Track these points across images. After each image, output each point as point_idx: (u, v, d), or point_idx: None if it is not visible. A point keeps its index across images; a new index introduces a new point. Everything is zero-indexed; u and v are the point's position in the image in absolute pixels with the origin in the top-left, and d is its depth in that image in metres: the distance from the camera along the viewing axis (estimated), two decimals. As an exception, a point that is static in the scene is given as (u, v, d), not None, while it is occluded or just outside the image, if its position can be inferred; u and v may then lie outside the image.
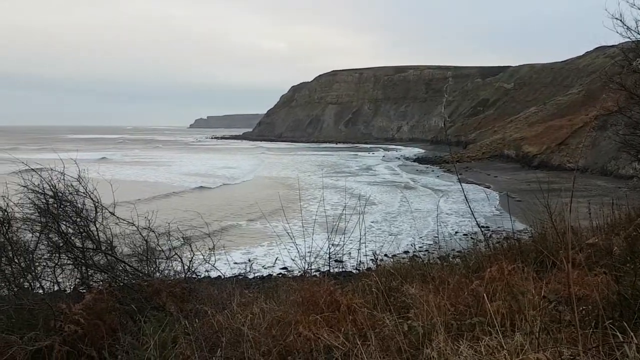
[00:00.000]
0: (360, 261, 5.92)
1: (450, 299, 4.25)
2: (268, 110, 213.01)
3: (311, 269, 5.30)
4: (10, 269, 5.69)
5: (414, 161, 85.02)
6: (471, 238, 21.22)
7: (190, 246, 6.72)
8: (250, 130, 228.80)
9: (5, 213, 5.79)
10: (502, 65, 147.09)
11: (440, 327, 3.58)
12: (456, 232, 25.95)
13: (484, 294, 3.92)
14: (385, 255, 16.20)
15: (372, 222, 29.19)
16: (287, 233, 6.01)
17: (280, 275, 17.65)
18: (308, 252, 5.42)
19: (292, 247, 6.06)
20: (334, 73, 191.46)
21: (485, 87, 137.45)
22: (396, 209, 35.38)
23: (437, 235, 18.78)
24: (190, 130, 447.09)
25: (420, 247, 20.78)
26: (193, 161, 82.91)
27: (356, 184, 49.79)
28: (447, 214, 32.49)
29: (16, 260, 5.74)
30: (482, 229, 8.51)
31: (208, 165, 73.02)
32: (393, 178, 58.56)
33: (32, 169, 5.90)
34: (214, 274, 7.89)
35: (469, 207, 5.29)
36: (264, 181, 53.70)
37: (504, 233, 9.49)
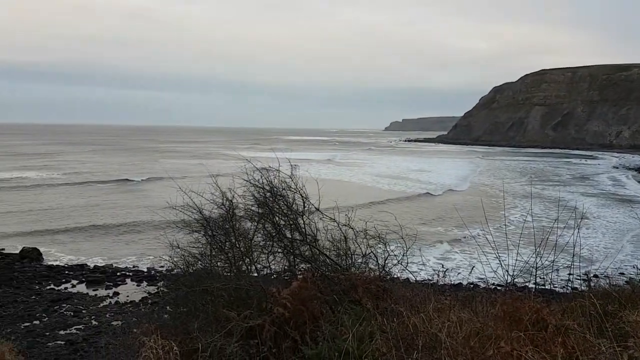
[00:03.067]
0: (570, 280, 5.38)
1: (686, 333, 3.61)
2: (465, 113, 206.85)
3: (514, 283, 4.99)
4: (232, 253, 6.49)
5: (638, 171, 74.42)
6: None
7: (385, 245, 6.85)
8: (445, 133, 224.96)
9: (231, 203, 6.62)
10: None
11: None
12: (688, 257, 22.05)
13: None
14: (595, 275, 14.51)
15: (586, 238, 26.38)
16: (489, 242, 5.75)
17: (472, 285, 17.01)
18: (511, 264, 5.11)
19: (492, 257, 5.78)
20: (543, 72, 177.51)
21: None
22: (617, 225, 31.42)
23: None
24: (385, 133, 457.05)
25: (641, 269, 18.10)
26: (400, 163, 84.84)
27: (568, 195, 45.48)
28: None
29: (237, 245, 6.52)
30: None
31: (415, 168, 73.70)
32: (615, 190, 51.98)
33: (260, 169, 6.64)
34: (404, 275, 7.93)
35: None
36: (477, 188, 52.05)
37: None
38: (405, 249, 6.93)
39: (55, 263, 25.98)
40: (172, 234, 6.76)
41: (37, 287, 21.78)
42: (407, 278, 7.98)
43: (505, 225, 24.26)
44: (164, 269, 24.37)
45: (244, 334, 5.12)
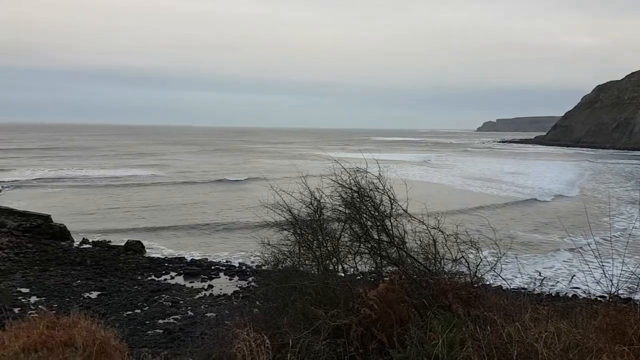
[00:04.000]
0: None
1: None
2: (566, 113, 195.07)
3: (618, 294, 4.64)
4: (320, 251, 6.60)
5: None
6: None
7: (478, 251, 6.63)
8: (543, 134, 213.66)
9: (319, 203, 6.73)
10: None
11: None
12: None
13: None
14: None
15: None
16: (592, 250, 5.38)
17: (571, 295, 16.00)
18: (616, 274, 4.75)
19: (594, 266, 5.40)
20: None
21: None
22: None
23: None
24: (478, 134, 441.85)
25: None
26: (495, 165, 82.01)
27: (681, 202, 41.62)
28: None
29: (324, 245, 6.61)
30: None
31: (517, 171, 70.68)
32: None
33: (348, 169, 6.69)
34: (498, 283, 7.62)
35: None
36: (586, 194, 48.79)
37: None
38: (499, 255, 6.68)
39: (156, 256, 27.73)
40: (264, 232, 6.99)
41: (139, 278, 23.35)
42: (500, 285, 7.67)
43: (610, 233, 22.59)
44: (254, 264, 25.23)
45: (331, 333, 5.18)
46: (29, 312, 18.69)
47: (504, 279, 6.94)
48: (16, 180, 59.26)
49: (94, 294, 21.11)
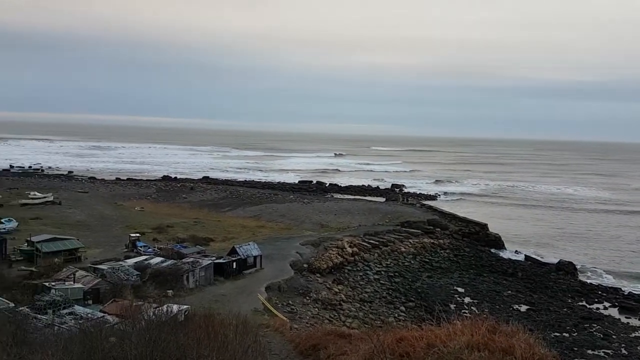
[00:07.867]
0: None
1: None
2: None
3: None
4: None
5: None
6: None
7: None
8: None
9: None
10: None
11: None
12: None
13: None
14: None
15: None
16: None
17: None
18: None
19: None
20: None
21: None
22: None
23: None
24: None
25: None
26: None
27: None
28: None
29: None
30: None
31: None
32: None
33: None
34: None
35: None
36: None
37: None
38: None
39: (588, 281, 26.15)
40: None
41: (569, 301, 22.55)
42: None
43: None
44: None
45: None
46: (462, 311, 20.65)
47: None
48: (463, 192, 67.06)
49: (522, 307, 21.63)
